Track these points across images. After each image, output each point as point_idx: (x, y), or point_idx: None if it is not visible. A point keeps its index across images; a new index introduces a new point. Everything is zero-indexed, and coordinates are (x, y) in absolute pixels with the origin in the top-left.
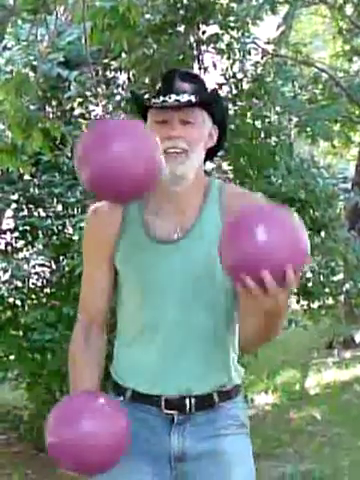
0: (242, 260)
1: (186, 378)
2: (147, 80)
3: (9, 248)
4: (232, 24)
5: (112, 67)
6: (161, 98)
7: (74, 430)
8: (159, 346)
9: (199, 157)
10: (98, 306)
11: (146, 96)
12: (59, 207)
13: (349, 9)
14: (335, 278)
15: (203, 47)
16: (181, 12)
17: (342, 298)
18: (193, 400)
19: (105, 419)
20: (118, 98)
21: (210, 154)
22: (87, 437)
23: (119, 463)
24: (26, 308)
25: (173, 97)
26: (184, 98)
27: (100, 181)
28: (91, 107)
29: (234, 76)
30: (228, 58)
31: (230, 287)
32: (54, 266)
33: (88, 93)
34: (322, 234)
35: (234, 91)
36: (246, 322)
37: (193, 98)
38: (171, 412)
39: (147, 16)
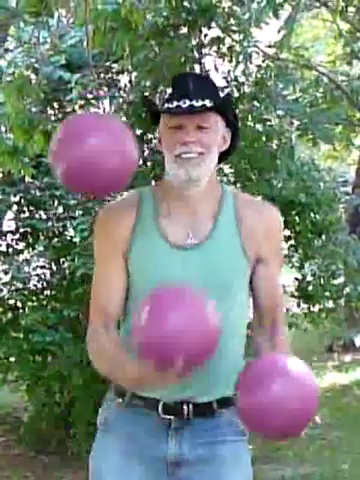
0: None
1: (190, 390)
2: (149, 83)
3: (10, 250)
4: (234, 28)
5: (114, 70)
6: (175, 103)
7: (79, 148)
8: None
9: (213, 161)
10: (114, 308)
11: (151, 100)
12: (60, 209)
13: (351, 13)
14: (336, 281)
15: (205, 50)
16: (183, 15)
17: (342, 301)
18: (191, 406)
19: (111, 135)
20: (120, 101)
21: (221, 157)
22: (94, 155)
23: (116, 464)
24: (27, 310)
25: (187, 102)
26: (199, 103)
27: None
28: (93, 109)
29: (236, 79)
30: (230, 61)
31: (243, 300)
32: (55, 268)
33: (90, 96)
34: (323, 237)
35: (236, 94)
36: None
37: (208, 102)
38: (168, 417)
39: (149, 19)
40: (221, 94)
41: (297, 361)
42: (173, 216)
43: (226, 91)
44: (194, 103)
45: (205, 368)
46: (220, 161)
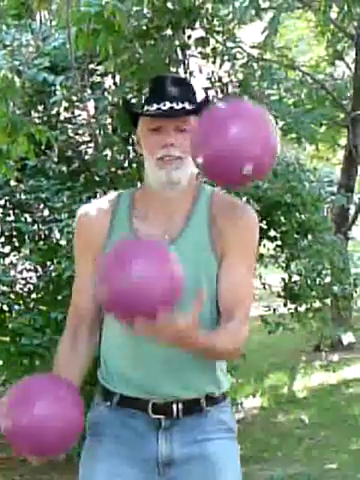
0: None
1: (175, 387)
2: (133, 85)
3: None
4: (218, 28)
5: (98, 72)
6: (155, 105)
7: (29, 413)
8: (145, 353)
9: (193, 163)
10: (86, 306)
11: (134, 101)
12: (46, 212)
13: (333, 13)
14: (322, 281)
15: (189, 51)
16: (167, 16)
17: (329, 301)
18: (180, 405)
19: (58, 402)
20: (105, 103)
21: None
22: (41, 420)
23: (106, 467)
24: (13, 313)
25: (167, 104)
26: (178, 105)
27: (119, 302)
28: (77, 112)
29: (220, 80)
30: (213, 62)
31: (213, 296)
32: (41, 271)
33: (74, 98)
34: (309, 237)
35: (220, 95)
36: None
37: (187, 105)
38: (158, 417)
39: (132, 21)
40: (198, 96)
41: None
42: (149, 217)
43: (210, 92)
44: (174, 106)
45: (187, 363)
46: None
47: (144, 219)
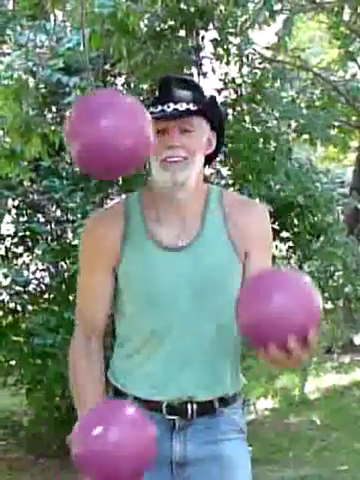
0: (265, 325)
1: (189, 388)
2: (146, 86)
3: (9, 254)
4: (231, 30)
5: (111, 73)
6: (159, 107)
7: (102, 440)
8: (163, 355)
9: (199, 164)
10: (98, 315)
11: (147, 103)
12: (59, 212)
13: (346, 15)
14: (334, 282)
15: (202, 53)
16: (180, 18)
17: (341, 302)
18: (195, 406)
19: (132, 427)
20: None
21: (208, 160)
22: (115, 447)
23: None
24: (27, 313)
25: (171, 106)
26: (182, 107)
27: (89, 155)
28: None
29: (233, 81)
30: (227, 63)
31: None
32: (54, 271)
33: None
34: (321, 239)
35: (233, 96)
36: None
37: (192, 106)
38: (173, 417)
39: (146, 22)
40: (206, 97)
41: (297, 275)
42: (162, 220)
43: (224, 93)
44: (178, 107)
45: (203, 365)
46: (207, 163)
47: (157, 222)
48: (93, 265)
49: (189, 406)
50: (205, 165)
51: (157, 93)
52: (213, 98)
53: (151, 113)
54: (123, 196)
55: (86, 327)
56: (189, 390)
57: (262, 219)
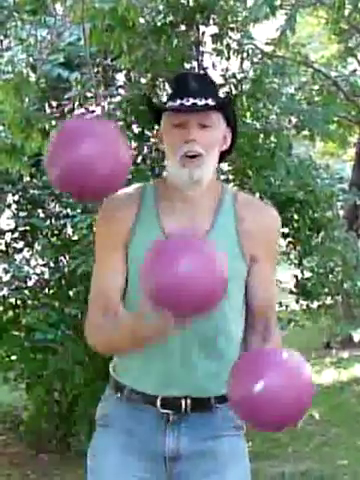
0: None
1: (187, 387)
2: (147, 80)
3: (9, 249)
4: (232, 25)
5: (112, 68)
6: (178, 101)
7: (74, 152)
8: (162, 352)
9: (214, 161)
10: (115, 291)
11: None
12: (59, 207)
13: (346, 10)
14: (334, 278)
15: (203, 48)
16: (180, 13)
17: (340, 298)
18: (189, 401)
19: (105, 141)
20: (118, 98)
21: (221, 156)
22: (86, 160)
23: (114, 459)
24: (27, 309)
25: (190, 100)
26: (202, 101)
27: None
28: (91, 108)
29: (234, 77)
30: (227, 59)
31: (239, 302)
32: (54, 266)
33: (88, 94)
34: (321, 234)
35: (234, 92)
36: None
37: (210, 101)
38: (167, 411)
39: (147, 17)
40: (221, 93)
41: (290, 352)
42: (174, 213)
43: (224, 89)
44: (197, 101)
45: (202, 363)
46: (221, 160)
47: (169, 214)
48: (108, 243)
49: (183, 401)
50: (219, 162)
51: (173, 88)
52: (230, 94)
53: (170, 106)
54: (138, 184)
55: (104, 305)
56: (188, 388)
57: (274, 225)
